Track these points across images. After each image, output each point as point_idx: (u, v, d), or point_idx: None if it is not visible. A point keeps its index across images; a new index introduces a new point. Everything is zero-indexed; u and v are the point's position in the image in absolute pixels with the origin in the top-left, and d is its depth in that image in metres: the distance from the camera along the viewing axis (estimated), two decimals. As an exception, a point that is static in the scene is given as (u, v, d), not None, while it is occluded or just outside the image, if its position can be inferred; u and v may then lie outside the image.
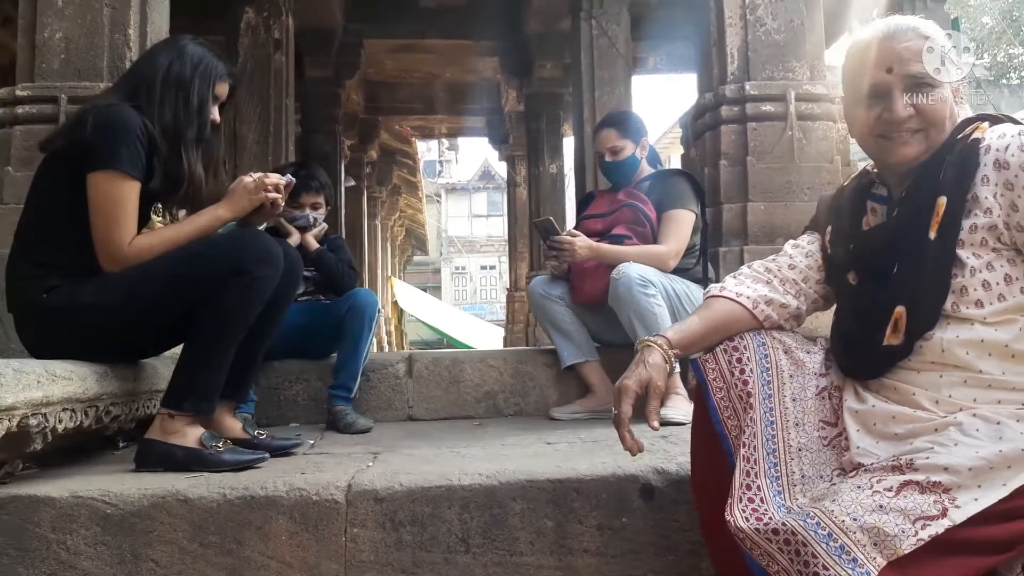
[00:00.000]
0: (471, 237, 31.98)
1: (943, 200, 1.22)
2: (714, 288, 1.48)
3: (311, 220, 2.76)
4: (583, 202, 3.18)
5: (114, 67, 2.89)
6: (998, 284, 1.19)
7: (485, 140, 15.11)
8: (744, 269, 1.51)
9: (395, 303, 20.63)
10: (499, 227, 28.92)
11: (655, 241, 2.78)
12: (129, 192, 1.91)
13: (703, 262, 2.90)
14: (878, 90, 1.28)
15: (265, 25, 6.48)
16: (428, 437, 2.40)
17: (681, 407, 2.59)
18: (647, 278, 2.61)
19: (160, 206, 2.13)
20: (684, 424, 2.51)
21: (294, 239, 2.71)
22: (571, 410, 2.80)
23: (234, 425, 2.13)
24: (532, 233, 10.54)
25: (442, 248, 31.80)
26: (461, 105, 12.95)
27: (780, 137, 3.25)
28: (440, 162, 34.14)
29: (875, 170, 1.41)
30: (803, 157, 3.24)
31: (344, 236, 10.77)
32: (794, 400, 1.33)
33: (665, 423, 2.49)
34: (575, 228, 3.03)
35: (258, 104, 6.45)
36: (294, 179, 2.19)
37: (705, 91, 3.49)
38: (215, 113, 2.08)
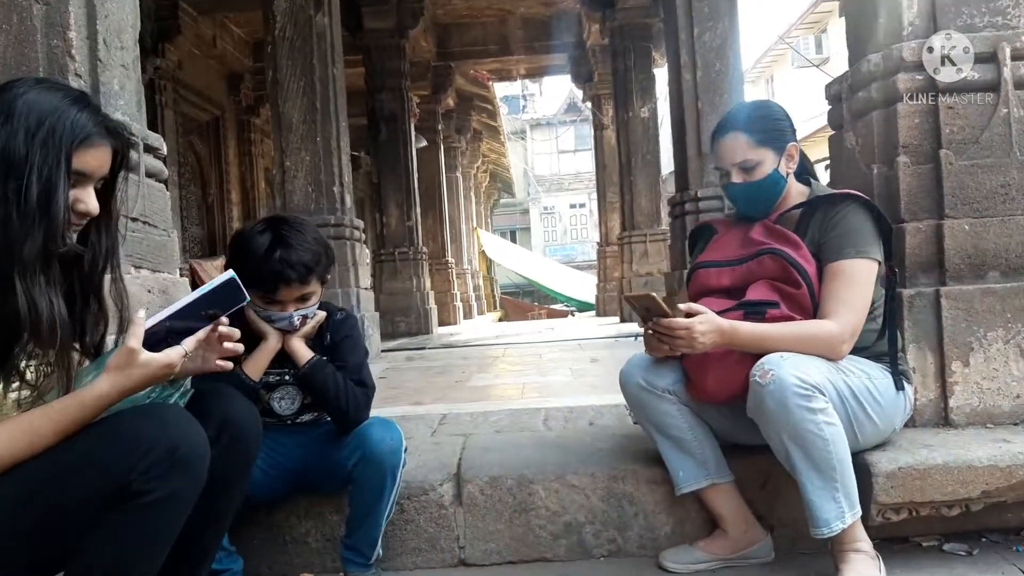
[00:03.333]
0: (559, 175, 30.70)
1: None
2: None
3: (294, 323, 1.83)
4: (696, 235, 2.21)
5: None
6: None
7: (567, 78, 13.95)
8: None
9: (482, 253, 20.02)
10: (588, 162, 27.59)
11: (815, 310, 1.82)
12: None
13: (889, 329, 1.92)
14: None
15: (301, -18, 5.60)
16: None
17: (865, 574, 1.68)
18: (811, 383, 1.67)
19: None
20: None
21: (270, 344, 1.83)
22: (693, 559, 1.93)
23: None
24: (623, 181, 9.49)
25: (529, 188, 30.73)
26: (539, 42, 11.83)
27: (990, 118, 2.18)
28: (523, 96, 32.81)
29: None
30: (1026, 146, 2.17)
31: (419, 197, 9.98)
32: None
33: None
34: (688, 275, 2.10)
35: (301, 77, 5.65)
36: (247, 299, 1.38)
37: (865, 50, 2.43)
38: (86, 201, 1.26)
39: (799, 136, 2.14)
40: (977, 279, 2.15)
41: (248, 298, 1.37)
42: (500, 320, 18.30)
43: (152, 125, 9.78)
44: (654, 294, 1.73)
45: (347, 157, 5.92)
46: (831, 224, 1.87)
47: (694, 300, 2.00)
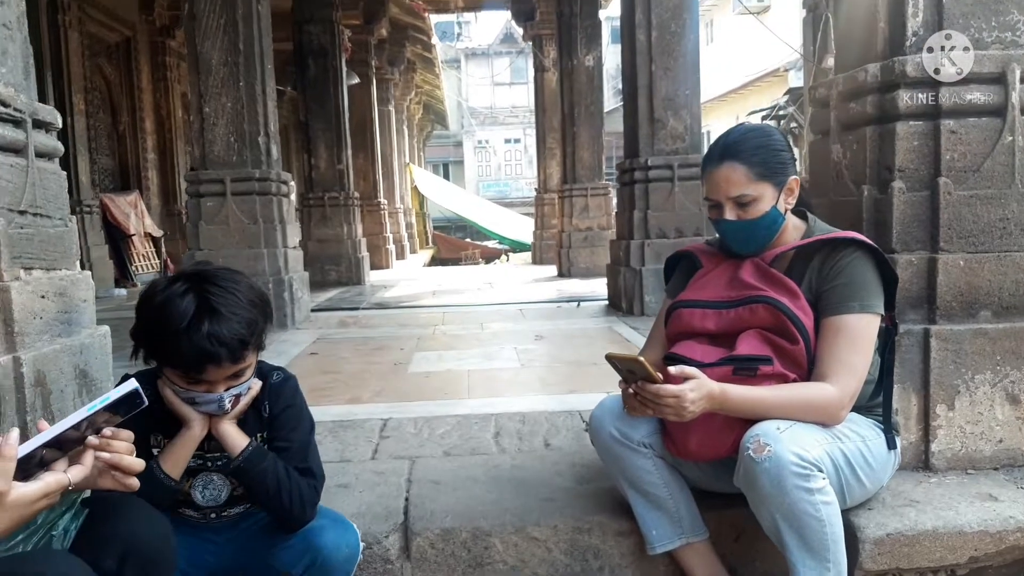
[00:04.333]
0: (494, 108, 29.92)
1: None
2: None
3: (225, 405, 1.45)
4: (674, 264, 2.00)
5: None
6: None
7: (507, 13, 13.37)
8: None
9: (414, 189, 19.48)
10: (524, 96, 27.03)
11: (809, 367, 1.65)
12: None
13: (886, 385, 1.77)
14: None
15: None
16: None
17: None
18: (810, 460, 1.51)
19: None
20: None
21: (194, 432, 1.46)
22: (662, 624, 1.79)
23: None
24: (566, 133, 9.18)
25: (463, 120, 29.92)
26: (479, -26, 11.23)
27: (994, 146, 2.02)
28: (459, 23, 31.67)
29: None
30: (1029, 177, 2.03)
31: (350, 136, 9.41)
32: None
33: None
34: (667, 311, 1.89)
35: (221, 13, 5.10)
36: (146, 403, 1.10)
37: (858, 54, 2.22)
38: None
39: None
40: (968, 318, 2.03)
41: (147, 402, 1.10)
42: (433, 259, 17.98)
43: (55, 48, 8.83)
44: (641, 359, 1.52)
45: (273, 103, 5.45)
46: (833, 272, 1.69)
47: (673, 341, 1.82)
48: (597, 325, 5.06)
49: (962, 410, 2.03)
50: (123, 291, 8.69)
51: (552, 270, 9.60)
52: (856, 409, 1.72)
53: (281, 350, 4.39)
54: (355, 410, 2.97)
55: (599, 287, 6.67)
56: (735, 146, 1.72)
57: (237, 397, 1.46)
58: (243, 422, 1.51)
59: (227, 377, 1.42)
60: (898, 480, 1.95)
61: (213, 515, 1.57)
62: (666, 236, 5.26)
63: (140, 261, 10.12)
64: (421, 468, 2.29)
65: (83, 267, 7.29)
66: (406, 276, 10.17)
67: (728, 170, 1.71)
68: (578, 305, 6.01)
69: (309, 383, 3.54)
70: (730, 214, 1.73)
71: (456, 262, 17.89)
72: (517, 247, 18.62)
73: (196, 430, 1.46)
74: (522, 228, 18.25)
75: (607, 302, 5.87)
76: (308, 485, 1.51)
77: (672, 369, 1.55)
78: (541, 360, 3.94)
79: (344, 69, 9.10)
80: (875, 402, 1.78)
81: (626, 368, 1.58)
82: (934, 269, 2.02)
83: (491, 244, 20.79)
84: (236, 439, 1.48)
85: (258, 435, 1.53)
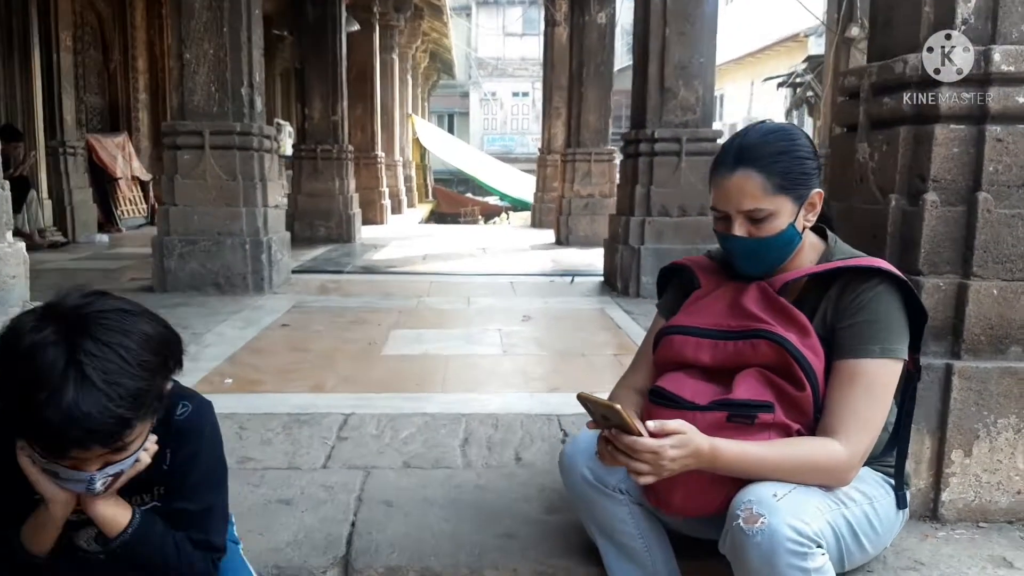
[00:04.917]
0: (503, 59, 29.17)
1: None
2: None
3: (96, 487, 1.07)
4: (668, 276, 1.74)
5: None
6: None
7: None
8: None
9: (416, 140, 19.04)
10: (535, 48, 26.29)
11: (816, 416, 1.41)
12: None
13: (902, 439, 1.53)
14: None
15: None
16: None
17: None
18: (809, 535, 1.28)
19: None
20: None
21: (55, 514, 1.11)
22: None
23: None
24: (572, 93, 8.80)
25: (471, 70, 29.21)
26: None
27: (1045, 157, 1.75)
28: (471, -31, 30.73)
29: None
30: (1082, 196, 1.76)
31: (349, 86, 9.00)
32: None
33: None
34: (656, 336, 1.64)
35: (206, -50, 4.73)
36: None
37: (897, 41, 1.93)
38: None
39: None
40: (996, 354, 1.79)
41: None
42: (431, 214, 17.66)
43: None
44: (618, 407, 1.28)
45: (259, 52, 5.11)
46: (853, 307, 1.44)
47: (662, 370, 1.58)
48: (590, 305, 4.82)
49: (980, 457, 1.80)
50: (106, 237, 8.43)
51: (550, 235, 9.33)
52: (870, 465, 1.49)
53: (253, 318, 4.16)
54: (317, 401, 2.75)
55: (596, 259, 6.40)
56: (752, 150, 1.45)
57: (116, 476, 1.09)
58: (138, 479, 1.15)
59: (101, 455, 1.05)
60: (903, 534, 1.73)
61: (102, 556, 1.20)
62: (669, 214, 4.99)
63: (126, 205, 9.85)
64: (375, 483, 2.07)
65: (64, 211, 7.07)
66: (399, 235, 9.89)
67: (742, 179, 1.44)
68: (572, 280, 5.76)
69: (275, 362, 3.32)
70: (740, 229, 1.47)
71: (455, 218, 17.59)
72: (518, 205, 18.30)
73: (57, 513, 1.11)
74: (524, 186, 17.90)
75: (602, 279, 5.62)
76: (202, 558, 1.21)
77: (651, 424, 1.30)
78: (526, 346, 3.71)
79: (344, 15, 8.68)
80: (887, 454, 1.54)
81: (600, 413, 1.34)
82: (963, 296, 1.77)
83: (492, 200, 20.45)
84: (113, 518, 1.13)
85: (156, 489, 1.21)
